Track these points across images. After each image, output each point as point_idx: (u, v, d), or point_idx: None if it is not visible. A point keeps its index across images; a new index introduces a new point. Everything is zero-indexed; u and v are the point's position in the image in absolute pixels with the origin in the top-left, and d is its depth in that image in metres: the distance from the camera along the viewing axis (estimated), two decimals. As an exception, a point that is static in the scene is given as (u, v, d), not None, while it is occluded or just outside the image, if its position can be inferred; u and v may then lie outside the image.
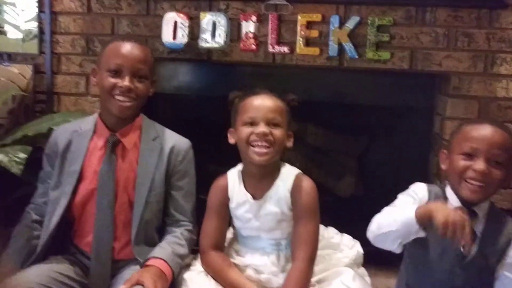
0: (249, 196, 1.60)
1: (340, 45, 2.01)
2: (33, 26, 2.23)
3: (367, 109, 2.33)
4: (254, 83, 2.25)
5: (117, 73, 1.63)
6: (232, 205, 1.62)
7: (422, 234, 1.33)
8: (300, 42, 2.03)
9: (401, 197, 1.50)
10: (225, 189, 1.64)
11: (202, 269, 1.60)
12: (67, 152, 1.68)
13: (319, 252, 1.60)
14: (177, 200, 1.72)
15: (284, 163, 1.64)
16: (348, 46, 2.00)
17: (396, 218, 1.36)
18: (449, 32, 1.97)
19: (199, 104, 2.44)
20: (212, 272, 1.57)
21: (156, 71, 1.77)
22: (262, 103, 1.57)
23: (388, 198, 1.78)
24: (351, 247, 1.71)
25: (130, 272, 1.55)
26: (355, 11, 2.01)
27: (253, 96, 1.59)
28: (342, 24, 2.00)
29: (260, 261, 1.59)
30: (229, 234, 1.74)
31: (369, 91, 2.21)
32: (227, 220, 1.66)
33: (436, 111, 2.16)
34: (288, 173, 1.61)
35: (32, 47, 2.24)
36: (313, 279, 1.56)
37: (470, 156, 1.40)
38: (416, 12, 1.99)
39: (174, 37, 2.10)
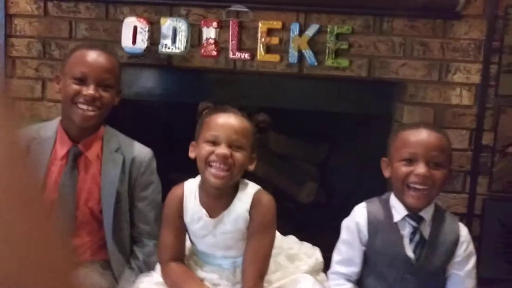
0: (204, 212, 1.52)
1: (300, 52, 2.03)
2: (-13, 28, 2.17)
3: (328, 116, 2.35)
4: (215, 90, 2.28)
5: (81, 81, 1.60)
6: (186, 219, 1.54)
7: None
8: (260, 48, 2.04)
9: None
10: (180, 201, 1.55)
11: (160, 279, 1.57)
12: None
13: (277, 259, 1.59)
14: (141, 210, 1.70)
15: (243, 180, 1.56)
16: (308, 54, 2.02)
17: (335, 253, 1.50)
18: (405, 41, 2.02)
19: (160, 110, 2.42)
20: (173, 284, 1.52)
21: (121, 80, 1.75)
22: (227, 122, 1.47)
23: (349, 204, 1.81)
24: (310, 256, 1.69)
25: (86, 271, 1.56)
26: (315, 19, 2.03)
27: (220, 113, 1.50)
28: (302, 31, 2.02)
29: (215, 275, 1.55)
30: (189, 243, 1.69)
31: (329, 99, 2.23)
32: (184, 231, 1.58)
33: (394, 118, 2.21)
34: (247, 191, 1.53)
35: (-14, 51, 2.18)
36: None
37: (410, 161, 1.43)
38: (374, 21, 2.03)
39: (134, 42, 2.07)
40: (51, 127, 1.68)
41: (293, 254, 1.67)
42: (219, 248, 1.54)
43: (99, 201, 1.64)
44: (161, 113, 2.42)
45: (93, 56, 1.63)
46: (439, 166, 1.43)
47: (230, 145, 1.45)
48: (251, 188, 1.54)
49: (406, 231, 1.47)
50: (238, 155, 1.45)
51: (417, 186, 1.42)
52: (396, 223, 1.47)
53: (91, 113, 1.60)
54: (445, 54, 2.01)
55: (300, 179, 2.67)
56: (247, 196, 1.51)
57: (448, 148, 1.47)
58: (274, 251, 1.56)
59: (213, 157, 1.44)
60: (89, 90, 1.59)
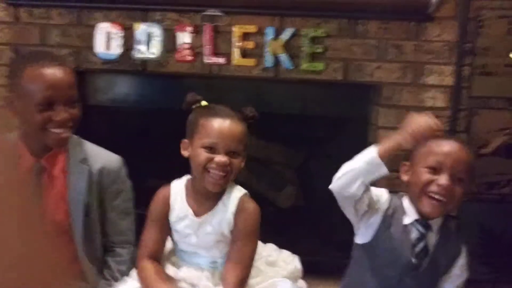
0: (190, 212, 1.53)
1: (275, 56, 2.03)
2: (-44, 35, 2.12)
3: (305, 120, 2.36)
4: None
5: (48, 105, 1.45)
6: (172, 218, 1.55)
7: (385, 171, 1.37)
8: (236, 53, 2.04)
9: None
10: (167, 200, 1.56)
11: (135, 285, 1.55)
12: None
13: (256, 265, 1.58)
14: (113, 220, 1.65)
15: (230, 183, 1.56)
16: (284, 57, 2.02)
17: (359, 157, 1.40)
18: (379, 44, 2.04)
19: (135, 116, 2.39)
20: (143, 281, 1.52)
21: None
22: (226, 129, 1.46)
23: (328, 208, 1.81)
24: (289, 263, 1.69)
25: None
26: (290, 23, 2.04)
27: (218, 118, 1.48)
28: (277, 35, 2.02)
29: (195, 275, 1.55)
30: (170, 244, 1.68)
31: (305, 102, 2.24)
32: (166, 231, 1.58)
33: (370, 121, 2.22)
34: (234, 195, 1.53)
35: (-45, 58, 2.13)
36: None
37: (435, 170, 1.41)
38: (348, 25, 2.04)
39: (108, 47, 2.05)
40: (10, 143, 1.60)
41: (272, 261, 1.67)
42: (201, 247, 1.55)
43: (67, 215, 1.57)
44: (136, 120, 2.39)
45: (52, 75, 1.46)
46: (461, 181, 1.41)
47: (228, 153, 1.45)
48: (237, 192, 1.54)
49: (412, 236, 1.45)
50: (235, 161, 1.47)
51: (436, 197, 1.40)
52: (405, 226, 1.46)
53: (66, 135, 1.50)
54: (419, 56, 2.03)
55: (279, 183, 2.67)
56: (233, 199, 1.52)
57: (473, 167, 1.45)
58: (257, 261, 1.57)
59: (212, 165, 1.45)
60: (60, 115, 1.45)
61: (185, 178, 1.58)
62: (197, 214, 1.53)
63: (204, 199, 1.53)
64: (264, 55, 2.03)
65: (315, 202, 2.57)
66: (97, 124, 2.29)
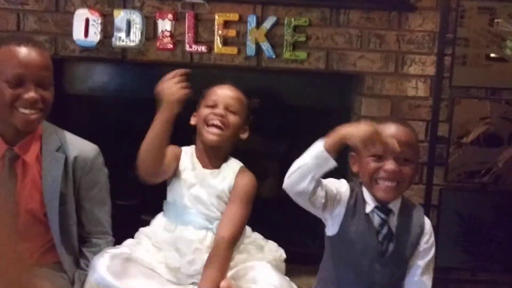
0: (199, 163, 1.70)
1: (257, 45, 2.01)
2: None
3: (287, 110, 2.34)
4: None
5: (18, 84, 1.43)
6: (180, 167, 1.69)
7: (333, 164, 1.36)
8: (217, 41, 2.01)
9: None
10: (179, 151, 1.72)
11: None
12: None
13: (245, 243, 1.68)
14: (90, 211, 1.63)
15: (230, 157, 1.77)
16: (266, 46, 2.00)
17: (307, 153, 1.39)
18: (362, 33, 2.03)
19: (114, 106, 2.35)
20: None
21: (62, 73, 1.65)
22: (224, 90, 1.73)
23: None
24: (275, 251, 1.75)
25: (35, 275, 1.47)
26: (272, 12, 2.02)
27: (219, 85, 1.75)
28: (259, 24, 2.00)
29: (188, 234, 1.62)
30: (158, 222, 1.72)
31: (288, 92, 2.22)
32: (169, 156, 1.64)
33: (353, 111, 2.22)
34: (236, 163, 1.75)
35: None
36: (231, 271, 1.59)
37: (379, 157, 1.43)
38: (330, 14, 2.03)
39: (86, 35, 2.00)
40: None
41: (260, 246, 1.74)
42: (201, 202, 1.65)
43: (42, 204, 1.54)
44: (115, 109, 2.35)
45: (26, 53, 1.44)
46: (408, 161, 1.44)
47: (226, 108, 1.68)
48: (237, 163, 1.76)
49: (375, 222, 1.48)
50: (232, 117, 1.69)
51: (386, 182, 1.43)
52: (367, 214, 1.48)
53: (35, 116, 1.46)
54: (401, 46, 2.03)
55: (261, 175, 2.65)
56: (235, 164, 1.74)
57: (416, 144, 1.49)
58: (246, 240, 1.70)
59: (211, 116, 1.67)
60: (30, 93, 1.43)
61: (191, 147, 1.77)
62: (205, 167, 1.71)
63: (210, 159, 1.71)
64: (246, 43, 2.01)
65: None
66: (75, 113, 2.24)
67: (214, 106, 1.69)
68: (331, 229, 1.51)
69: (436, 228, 2.09)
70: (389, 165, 1.42)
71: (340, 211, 1.48)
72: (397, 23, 2.03)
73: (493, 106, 2.07)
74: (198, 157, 1.72)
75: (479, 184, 2.10)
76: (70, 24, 2.00)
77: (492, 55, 2.06)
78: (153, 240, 1.66)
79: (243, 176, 1.71)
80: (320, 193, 1.42)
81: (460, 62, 2.05)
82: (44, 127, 1.57)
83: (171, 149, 1.66)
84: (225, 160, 1.74)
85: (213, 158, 1.71)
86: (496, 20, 2.05)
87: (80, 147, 1.61)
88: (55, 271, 1.58)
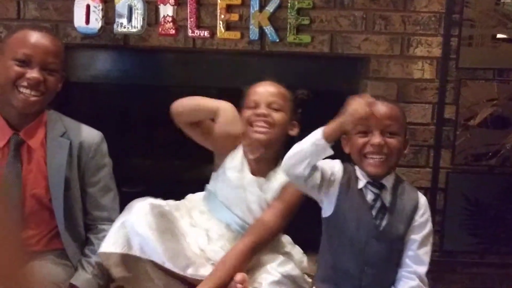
0: (248, 167, 1.65)
1: (261, 29, 1.98)
2: None
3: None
4: (175, 70, 2.21)
5: (25, 63, 1.49)
6: (228, 164, 1.65)
7: (330, 152, 1.43)
8: (220, 26, 1.99)
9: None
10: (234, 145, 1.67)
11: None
12: None
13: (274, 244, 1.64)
14: (94, 196, 1.63)
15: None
16: (269, 30, 1.97)
17: (306, 139, 1.45)
18: (366, 15, 2.00)
19: (117, 93, 2.33)
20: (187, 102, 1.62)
21: (67, 64, 1.64)
22: (264, 88, 1.66)
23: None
24: (298, 258, 1.72)
25: (39, 265, 1.51)
26: (275, -6, 1.98)
27: (259, 83, 1.68)
28: (262, 7, 1.97)
29: (220, 230, 1.61)
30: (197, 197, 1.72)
31: (292, 76, 2.19)
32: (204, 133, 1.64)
33: (358, 94, 2.19)
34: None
35: None
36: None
37: (365, 133, 1.48)
38: (334, -4, 2.00)
39: (88, 21, 1.98)
40: None
41: (286, 252, 1.70)
42: (239, 205, 1.63)
43: (47, 190, 1.55)
44: (118, 96, 2.33)
45: (38, 37, 1.52)
46: (394, 134, 1.48)
47: (268, 106, 1.62)
48: None
49: (368, 198, 1.51)
50: (276, 115, 1.62)
51: (374, 156, 1.48)
52: (360, 190, 1.51)
53: (34, 98, 1.50)
54: (406, 27, 2.00)
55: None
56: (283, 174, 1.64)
57: (401, 117, 1.52)
58: (274, 243, 1.65)
59: (254, 118, 1.62)
60: (33, 73, 1.48)
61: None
62: (253, 173, 1.65)
63: (258, 164, 1.65)
64: (249, 27, 1.98)
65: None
66: (78, 101, 2.23)
67: (255, 106, 1.63)
68: (327, 210, 1.54)
69: (443, 211, 2.09)
70: (375, 138, 1.46)
71: (334, 190, 1.51)
72: (403, 4, 2.00)
73: (500, 87, 2.04)
74: (247, 160, 1.66)
75: (486, 166, 2.08)
76: (71, 11, 1.98)
77: (499, 35, 2.03)
78: (188, 215, 1.65)
79: (290, 188, 1.61)
80: (316, 176, 1.48)
81: (466, 43, 2.02)
82: (49, 114, 1.60)
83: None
84: (274, 164, 1.66)
85: (262, 162, 1.65)
86: (502, 0, 2.01)
87: (85, 133, 1.62)
88: (59, 259, 1.59)
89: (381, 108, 1.48)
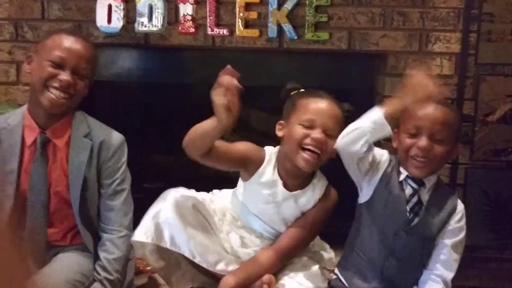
0: (281, 182, 1.56)
1: (279, 27, 2.00)
2: (-45, 11, 2.09)
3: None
4: (194, 68, 2.24)
5: (58, 65, 1.55)
6: (261, 179, 1.55)
7: (389, 131, 1.44)
8: (239, 24, 2.01)
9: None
10: (262, 159, 1.57)
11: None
12: None
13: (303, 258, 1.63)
14: (105, 197, 1.66)
15: (317, 171, 1.62)
16: (287, 27, 1.99)
17: (365, 117, 1.47)
18: (385, 12, 2.00)
19: (138, 91, 2.37)
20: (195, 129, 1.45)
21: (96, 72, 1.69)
22: (325, 109, 1.52)
23: (332, 178, 1.80)
24: (326, 256, 1.73)
25: (66, 255, 1.58)
26: (293, -8, 2.00)
27: (317, 98, 1.54)
28: (280, 5, 1.99)
29: (252, 237, 1.60)
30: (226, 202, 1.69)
31: (310, 73, 2.21)
32: (227, 159, 1.51)
33: (376, 90, 2.20)
34: (322, 182, 1.61)
35: (-45, 34, 2.10)
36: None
37: (414, 134, 1.48)
38: (352, -8, 2.01)
39: (109, 21, 2.02)
40: (18, 115, 1.63)
41: (320, 254, 1.71)
42: (272, 220, 1.59)
43: (68, 188, 1.60)
44: (139, 94, 2.37)
45: (73, 42, 1.58)
46: (442, 141, 1.47)
47: (324, 131, 1.49)
48: (324, 180, 1.62)
49: (407, 191, 1.52)
50: (330, 142, 1.50)
51: (418, 159, 1.48)
52: (401, 182, 1.53)
53: (62, 100, 1.55)
54: (425, 23, 2.00)
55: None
56: (321, 185, 1.59)
57: (454, 124, 1.50)
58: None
59: (308, 141, 1.48)
60: (65, 76, 1.54)
61: (277, 149, 1.61)
62: (286, 187, 1.56)
63: (293, 178, 1.56)
64: (267, 25, 2.00)
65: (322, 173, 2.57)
66: (100, 99, 2.27)
67: (310, 127, 1.49)
68: (364, 196, 1.57)
69: (461, 207, 2.09)
70: (422, 142, 1.46)
71: (376, 178, 1.54)
72: (421, 0, 2.00)
73: (520, 82, 2.03)
74: (280, 174, 1.56)
75: (505, 162, 2.07)
76: (93, 11, 2.02)
77: (519, 30, 2.02)
78: (222, 213, 1.64)
79: (327, 198, 1.59)
80: (369, 158, 1.51)
81: (485, 38, 2.01)
82: (75, 115, 1.65)
83: (245, 148, 1.53)
84: (310, 179, 1.59)
85: (298, 179, 1.57)
86: (522, -6, 2.00)
87: (107, 134, 1.66)
88: (84, 252, 1.64)
89: (435, 112, 1.47)
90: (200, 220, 1.54)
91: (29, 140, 1.59)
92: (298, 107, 1.54)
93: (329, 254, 1.73)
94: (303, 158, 1.49)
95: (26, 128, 1.60)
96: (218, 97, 1.33)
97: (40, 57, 1.57)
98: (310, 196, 1.58)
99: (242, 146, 1.56)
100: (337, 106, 1.54)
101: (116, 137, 1.67)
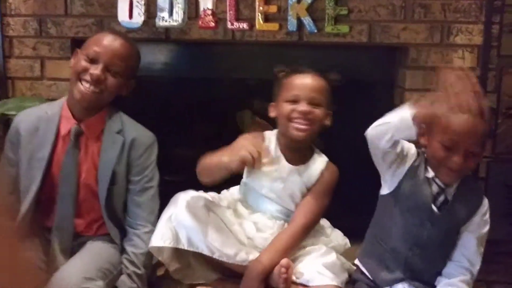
0: (284, 158, 1.66)
1: (299, 20, 2.00)
2: (-18, 8, 2.14)
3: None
4: (215, 62, 2.26)
5: (92, 60, 1.60)
6: (265, 159, 1.60)
7: (413, 134, 1.42)
8: (259, 17, 2.02)
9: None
10: (262, 140, 1.67)
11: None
12: (33, 137, 1.64)
13: (317, 235, 1.68)
14: (133, 193, 1.69)
15: (315, 149, 1.72)
16: (307, 21, 1.99)
17: (396, 112, 1.46)
18: (406, 4, 1.99)
19: (160, 85, 2.40)
20: (209, 160, 1.55)
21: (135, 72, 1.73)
22: (306, 82, 1.63)
23: (351, 172, 1.81)
24: (340, 240, 1.76)
25: (94, 244, 1.62)
26: (313, -15, 2.00)
27: (298, 74, 1.65)
28: (300, -2, 1.99)
29: (265, 221, 1.65)
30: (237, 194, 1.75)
31: (330, 66, 2.20)
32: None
33: (396, 83, 2.19)
34: (322, 157, 1.71)
35: (-18, 31, 2.15)
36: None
37: (450, 148, 1.44)
38: (373, -15, 1.99)
39: (131, 16, 2.05)
40: (57, 105, 1.70)
41: (328, 234, 1.75)
42: (281, 197, 1.65)
43: (97, 181, 1.65)
44: (160, 88, 2.39)
45: (110, 40, 1.64)
46: (475, 155, 1.45)
47: (309, 103, 1.60)
48: (324, 157, 1.72)
49: (433, 189, 1.52)
50: (317, 111, 1.61)
51: (452, 173, 1.47)
52: (428, 178, 1.53)
53: (91, 94, 1.60)
54: (447, 15, 1.98)
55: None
56: (322, 159, 1.70)
57: (484, 138, 1.47)
58: (317, 228, 1.69)
59: (295, 114, 1.60)
60: (96, 70, 1.59)
61: (275, 132, 1.72)
62: (290, 162, 1.66)
63: (294, 153, 1.67)
64: (287, 19, 2.00)
65: (339, 166, 2.57)
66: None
67: (295, 101, 1.61)
68: (387, 188, 1.57)
69: (483, 201, 2.07)
70: (457, 158, 1.42)
71: (402, 171, 1.54)
72: (443, -9, 1.98)
73: (544, 75, 2.00)
74: (282, 151, 1.67)
75: (528, 155, 2.05)
76: (115, 6, 2.05)
77: (543, 21, 1.98)
78: (232, 208, 1.69)
79: (328, 170, 1.68)
80: (393, 153, 1.51)
81: (508, 30, 1.98)
82: (110, 110, 1.70)
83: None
84: (311, 153, 1.69)
85: (298, 152, 1.67)
86: (547, -16, 1.96)
87: (139, 132, 1.71)
88: (108, 242, 1.68)
89: (474, 130, 1.40)
90: (213, 218, 1.57)
91: (63, 130, 1.65)
92: (283, 87, 1.65)
93: (344, 240, 1.76)
94: (294, 128, 1.60)
95: (63, 118, 1.66)
96: (245, 153, 1.44)
97: (81, 53, 1.66)
98: (312, 169, 1.66)
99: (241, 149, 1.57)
100: (320, 78, 1.65)
101: (148, 135, 1.72)
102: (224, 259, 1.52)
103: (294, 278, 1.55)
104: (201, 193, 1.63)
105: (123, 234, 1.70)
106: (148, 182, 1.70)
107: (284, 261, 1.52)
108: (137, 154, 1.67)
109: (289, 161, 1.66)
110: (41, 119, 1.66)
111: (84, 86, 1.60)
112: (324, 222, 1.78)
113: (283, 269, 1.51)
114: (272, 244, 1.57)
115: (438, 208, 1.51)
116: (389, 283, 1.56)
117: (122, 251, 1.67)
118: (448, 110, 1.39)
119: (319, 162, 1.68)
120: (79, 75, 1.60)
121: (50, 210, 1.65)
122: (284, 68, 1.71)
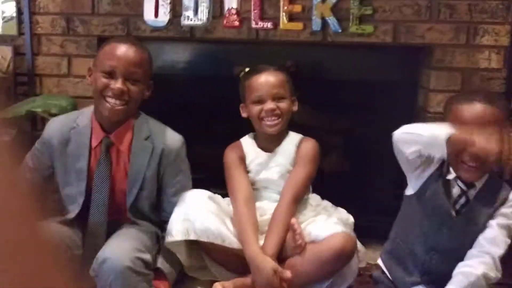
0: (260, 150, 1.81)
1: (323, 20, 2.00)
2: (11, 6, 2.19)
3: (353, 84, 2.32)
4: (239, 61, 2.27)
5: (110, 74, 1.60)
6: (248, 160, 1.81)
7: (442, 154, 1.40)
8: (283, 17, 2.02)
9: None
10: (241, 149, 1.83)
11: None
12: (65, 149, 1.68)
13: (317, 208, 1.77)
14: (169, 195, 1.73)
15: (289, 131, 1.85)
16: (332, 20, 1.99)
17: (429, 126, 1.44)
18: (431, 4, 1.97)
19: (184, 83, 2.42)
20: (238, 225, 1.66)
21: (151, 72, 1.75)
22: (266, 81, 1.74)
23: (374, 174, 1.81)
24: (344, 215, 1.80)
25: (128, 228, 1.65)
26: (338, -15, 2.00)
27: (257, 75, 1.76)
28: (325, -2, 1.99)
29: (265, 205, 1.75)
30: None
31: (354, 66, 2.21)
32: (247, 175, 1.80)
33: (420, 84, 2.18)
34: (295, 135, 1.84)
35: (11, 28, 2.20)
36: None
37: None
38: (398, -15, 1.98)
39: (156, 15, 2.07)
40: (86, 117, 1.71)
41: (330, 212, 1.80)
42: (270, 182, 1.78)
43: (127, 186, 1.70)
44: (185, 86, 2.42)
45: (122, 49, 1.63)
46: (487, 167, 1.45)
47: (273, 99, 1.73)
48: (298, 134, 1.84)
49: (454, 191, 1.50)
50: (282, 105, 1.74)
51: (470, 163, 1.45)
52: (449, 180, 1.51)
53: (119, 107, 1.62)
54: (473, 16, 1.96)
55: (325, 150, 2.66)
56: (296, 136, 1.83)
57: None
58: (318, 207, 1.78)
59: (263, 114, 1.73)
60: (117, 84, 1.59)
61: (251, 134, 1.87)
62: (266, 151, 1.81)
63: (270, 142, 1.81)
64: (311, 18, 2.01)
65: (360, 167, 2.56)
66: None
67: (261, 101, 1.73)
68: (412, 188, 1.56)
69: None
70: (469, 162, 1.44)
71: (427, 174, 1.53)
72: (469, -8, 1.96)
73: None
74: (259, 145, 1.82)
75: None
76: (141, 5, 2.07)
77: None
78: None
79: (305, 142, 1.80)
80: (420, 160, 1.49)
81: (536, 31, 1.95)
82: (135, 117, 1.72)
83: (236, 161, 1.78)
84: (284, 136, 1.82)
85: (274, 140, 1.81)
86: None
87: (167, 138, 1.72)
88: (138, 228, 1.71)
89: (484, 141, 1.35)
90: (219, 209, 1.69)
91: (94, 143, 1.68)
92: (246, 89, 1.78)
93: (347, 215, 1.80)
94: (266, 125, 1.74)
95: (93, 131, 1.69)
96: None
97: (95, 69, 1.66)
98: (288, 147, 1.79)
99: (231, 166, 1.80)
100: (277, 72, 1.77)
101: (176, 139, 1.74)
102: (235, 246, 1.60)
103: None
104: (204, 191, 1.74)
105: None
106: (182, 184, 1.75)
107: (293, 220, 1.61)
108: (169, 161, 1.71)
109: (266, 150, 1.81)
110: (73, 131, 1.69)
111: (110, 103, 1.61)
112: (326, 202, 1.84)
113: (296, 225, 1.59)
114: (270, 230, 1.65)
115: (457, 211, 1.49)
116: (407, 285, 1.55)
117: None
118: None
119: (292, 139, 1.80)
120: (101, 93, 1.61)
121: (86, 216, 1.69)
122: (242, 68, 1.85)
